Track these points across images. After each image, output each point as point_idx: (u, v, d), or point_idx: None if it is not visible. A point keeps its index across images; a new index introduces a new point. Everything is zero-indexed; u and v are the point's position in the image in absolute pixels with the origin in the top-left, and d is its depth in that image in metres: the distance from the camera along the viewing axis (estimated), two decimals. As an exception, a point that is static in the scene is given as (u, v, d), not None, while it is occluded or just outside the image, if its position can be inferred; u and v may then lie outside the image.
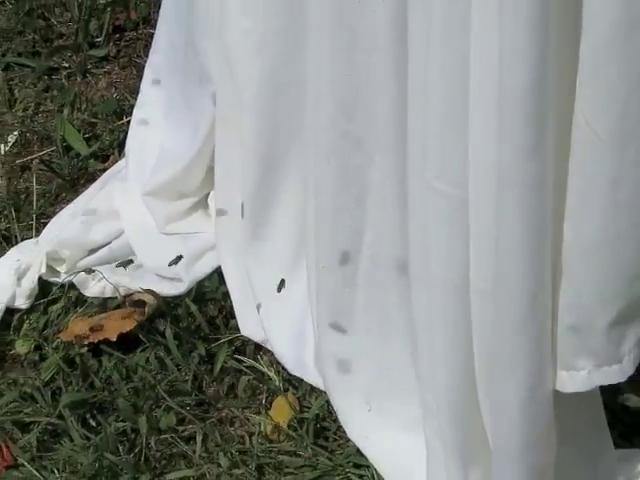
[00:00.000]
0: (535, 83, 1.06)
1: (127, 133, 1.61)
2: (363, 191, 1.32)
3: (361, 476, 1.33)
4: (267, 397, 1.41)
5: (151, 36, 1.58)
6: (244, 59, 1.40)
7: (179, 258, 1.54)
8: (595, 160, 1.11)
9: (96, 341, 1.44)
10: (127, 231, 1.55)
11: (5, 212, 1.60)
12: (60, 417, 1.39)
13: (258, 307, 1.46)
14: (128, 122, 1.62)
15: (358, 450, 1.34)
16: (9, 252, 1.53)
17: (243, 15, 1.39)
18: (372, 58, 1.26)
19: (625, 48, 1.06)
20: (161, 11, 1.56)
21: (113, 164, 1.63)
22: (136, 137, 1.60)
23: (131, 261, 1.55)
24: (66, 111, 1.69)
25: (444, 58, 1.14)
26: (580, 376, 1.14)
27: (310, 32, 1.32)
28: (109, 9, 1.80)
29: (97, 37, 1.78)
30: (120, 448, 1.35)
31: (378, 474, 1.32)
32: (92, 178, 1.61)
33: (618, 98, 1.07)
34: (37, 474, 1.33)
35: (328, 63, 1.28)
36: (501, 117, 1.08)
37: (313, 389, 1.40)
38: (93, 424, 1.38)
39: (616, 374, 1.14)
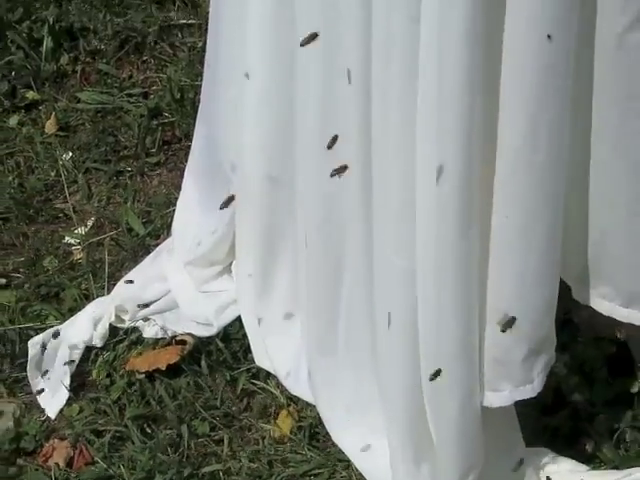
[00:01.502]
0: (461, 190, 1.06)
1: (173, 218, 1.60)
2: (340, 263, 1.28)
3: (345, 467, 1.35)
4: (274, 410, 1.42)
5: (190, 147, 1.57)
6: (250, 159, 1.37)
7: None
8: (506, 242, 1.11)
9: (151, 370, 1.45)
10: (173, 290, 1.54)
11: (85, 276, 1.59)
12: (125, 426, 1.41)
13: (264, 338, 1.43)
14: (174, 210, 1.60)
15: (341, 450, 1.35)
16: (88, 306, 1.53)
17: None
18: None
19: (528, 166, 1.07)
20: (195, 128, 1.54)
21: (163, 241, 1.62)
22: (179, 220, 1.57)
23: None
24: (129, 203, 1.69)
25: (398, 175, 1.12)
26: (503, 395, 1.18)
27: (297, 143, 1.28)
28: (160, 128, 1.81)
29: (152, 149, 1.78)
30: (169, 449, 1.37)
31: (356, 468, 1.34)
32: (148, 251, 1.61)
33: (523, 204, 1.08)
34: (108, 469, 1.36)
35: (311, 159, 1.24)
36: (438, 213, 1.08)
37: (308, 404, 1.40)
38: (149, 431, 1.41)
39: (529, 392, 1.18)
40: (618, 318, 1.21)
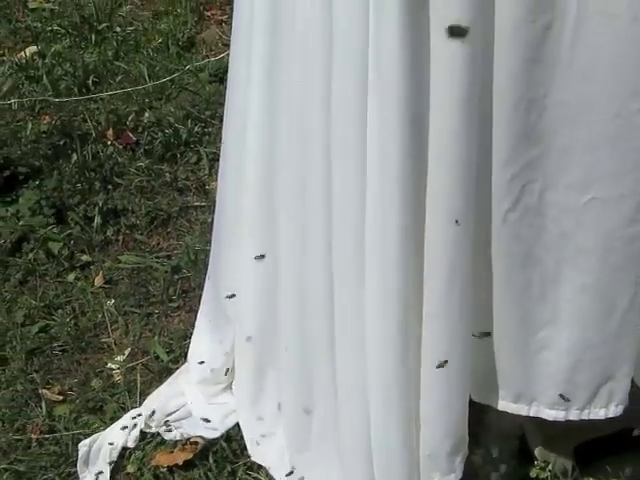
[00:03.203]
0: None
1: (189, 348, 1.58)
2: (311, 379, 1.25)
3: None
4: None
5: (202, 296, 1.58)
6: (244, 311, 1.37)
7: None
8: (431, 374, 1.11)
9: (171, 465, 1.44)
10: (188, 402, 1.53)
11: (122, 393, 1.58)
12: None
13: (257, 440, 1.41)
14: (189, 342, 1.59)
15: None
16: (123, 417, 1.52)
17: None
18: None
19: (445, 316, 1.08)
20: (206, 282, 1.53)
21: (181, 365, 1.61)
22: (193, 350, 1.56)
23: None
24: (156, 337, 1.70)
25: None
26: None
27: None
28: (180, 281, 1.81)
29: (173, 296, 1.79)
30: None
31: None
32: (170, 373, 1.60)
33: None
34: None
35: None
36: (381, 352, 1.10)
37: None
38: None
39: (453, 479, 1.19)
40: (509, 411, 1.20)
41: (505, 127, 0.99)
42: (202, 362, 1.54)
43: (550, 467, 1.33)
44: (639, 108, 0.96)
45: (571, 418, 1.17)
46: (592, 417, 1.17)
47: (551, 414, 1.17)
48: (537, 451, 1.35)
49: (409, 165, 1.00)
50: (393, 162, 0.99)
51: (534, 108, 0.98)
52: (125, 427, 1.50)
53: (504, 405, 1.19)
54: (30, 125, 2.21)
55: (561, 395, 1.15)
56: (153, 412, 1.52)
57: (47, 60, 2.46)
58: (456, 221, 1.02)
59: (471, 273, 1.08)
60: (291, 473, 1.35)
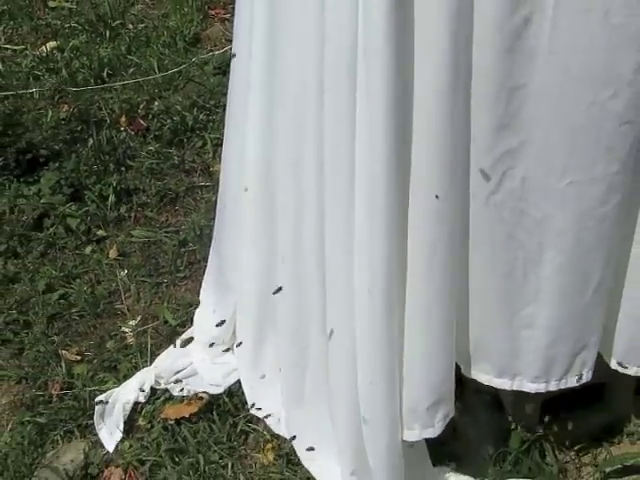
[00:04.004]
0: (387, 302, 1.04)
1: (194, 313, 1.58)
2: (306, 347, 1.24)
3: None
4: (263, 443, 1.41)
5: (206, 267, 1.57)
6: (246, 278, 1.35)
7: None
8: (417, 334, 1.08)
9: (179, 418, 1.43)
10: (195, 361, 1.51)
11: (134, 354, 1.56)
12: (161, 457, 1.39)
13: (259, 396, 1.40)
14: (195, 308, 1.58)
15: (308, 470, 1.33)
16: (136, 374, 1.51)
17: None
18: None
19: (426, 289, 1.05)
20: (210, 254, 1.52)
21: (188, 329, 1.58)
22: (198, 315, 1.55)
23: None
24: (165, 304, 1.68)
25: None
26: (415, 433, 1.17)
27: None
28: (186, 254, 1.78)
29: (181, 267, 1.77)
30: (190, 472, 1.35)
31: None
32: (177, 337, 1.57)
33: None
34: None
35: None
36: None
37: (285, 439, 1.38)
38: (177, 460, 1.38)
39: (431, 433, 1.16)
40: (493, 385, 1.18)
41: (487, 115, 0.96)
42: (206, 326, 1.52)
43: (521, 420, 1.32)
44: (611, 95, 0.93)
45: (551, 389, 1.15)
46: (569, 386, 1.16)
47: (533, 387, 1.15)
48: (508, 404, 1.34)
49: (394, 147, 0.96)
50: (381, 144, 0.96)
51: (515, 97, 0.94)
52: (137, 384, 1.49)
53: (488, 379, 1.18)
54: (50, 113, 2.18)
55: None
56: (163, 370, 1.51)
57: (65, 54, 2.43)
58: (436, 196, 0.99)
59: (451, 248, 1.05)
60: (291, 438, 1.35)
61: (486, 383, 1.18)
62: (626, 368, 1.17)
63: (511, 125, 0.96)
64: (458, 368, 1.18)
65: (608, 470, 1.28)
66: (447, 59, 0.91)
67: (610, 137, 0.96)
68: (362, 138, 0.97)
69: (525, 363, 1.13)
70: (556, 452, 1.33)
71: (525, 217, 1.02)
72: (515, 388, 1.16)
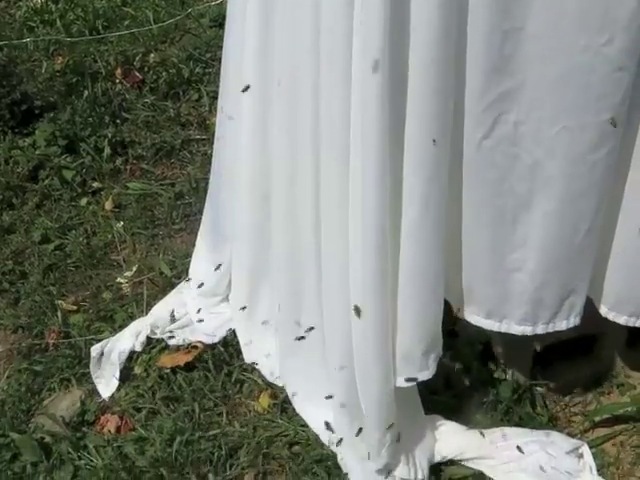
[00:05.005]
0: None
1: (190, 265, 1.57)
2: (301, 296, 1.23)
3: (304, 430, 1.33)
4: (258, 392, 1.41)
5: (201, 219, 1.56)
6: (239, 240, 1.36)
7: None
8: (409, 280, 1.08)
9: (174, 366, 1.44)
10: (190, 312, 1.52)
11: (130, 304, 1.57)
12: (156, 404, 1.40)
13: (249, 343, 1.42)
14: (190, 260, 1.57)
15: (302, 418, 1.34)
16: (132, 324, 1.51)
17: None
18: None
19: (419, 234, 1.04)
20: (205, 206, 1.50)
21: (183, 280, 1.58)
22: (194, 267, 1.55)
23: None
24: (161, 255, 1.68)
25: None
26: (413, 377, 1.16)
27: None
28: (182, 206, 1.77)
29: (176, 219, 1.76)
30: (185, 419, 1.36)
31: (312, 429, 1.32)
32: (173, 287, 1.58)
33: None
34: (144, 434, 1.35)
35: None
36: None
37: (280, 388, 1.38)
38: (172, 408, 1.38)
39: (426, 375, 1.17)
40: (482, 326, 1.19)
41: (479, 58, 0.95)
42: (202, 277, 1.53)
43: (511, 369, 1.33)
44: (605, 41, 0.93)
45: (538, 332, 1.16)
46: (556, 329, 1.16)
47: (519, 329, 1.16)
48: (500, 355, 1.34)
49: (387, 95, 0.95)
50: (375, 92, 0.95)
51: (509, 40, 0.93)
52: (133, 333, 1.49)
53: (477, 320, 1.18)
54: (45, 64, 2.16)
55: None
56: (158, 320, 1.51)
57: (60, 5, 2.40)
58: (433, 140, 0.98)
59: (445, 193, 1.04)
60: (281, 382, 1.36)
61: (474, 323, 1.19)
62: (616, 315, 1.17)
63: (504, 69, 0.95)
64: (448, 317, 1.18)
65: (597, 419, 1.29)
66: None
67: (602, 84, 0.96)
68: (356, 76, 0.95)
69: (513, 306, 1.14)
70: (546, 402, 1.34)
71: (517, 162, 1.02)
72: (503, 330, 1.17)
